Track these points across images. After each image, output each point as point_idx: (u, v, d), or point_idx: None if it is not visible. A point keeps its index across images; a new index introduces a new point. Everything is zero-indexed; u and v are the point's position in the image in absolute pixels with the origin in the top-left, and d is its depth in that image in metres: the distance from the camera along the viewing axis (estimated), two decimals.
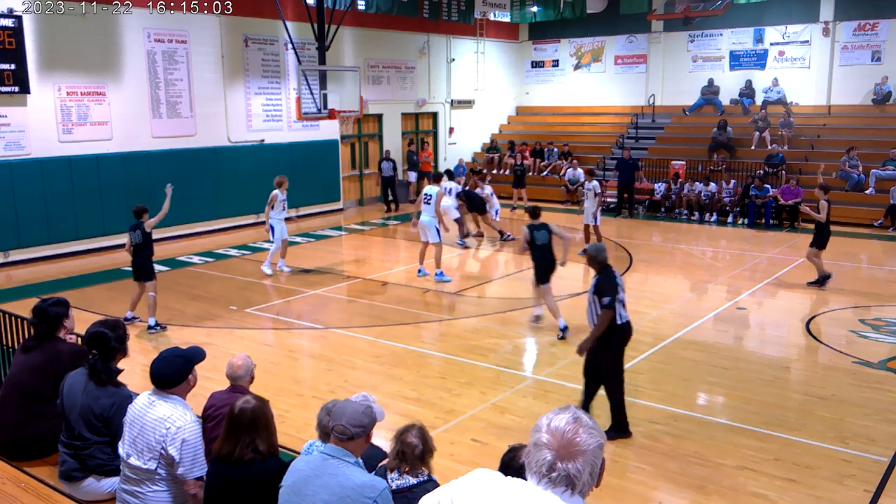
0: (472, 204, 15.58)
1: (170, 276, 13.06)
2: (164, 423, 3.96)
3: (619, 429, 6.63)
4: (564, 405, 2.18)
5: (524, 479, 2.15)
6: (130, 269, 10.17)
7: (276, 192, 12.62)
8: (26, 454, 4.93)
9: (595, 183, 14.39)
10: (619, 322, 6.48)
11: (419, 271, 12.80)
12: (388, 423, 5.86)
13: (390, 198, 20.20)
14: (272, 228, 12.77)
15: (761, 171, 18.51)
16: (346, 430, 3.38)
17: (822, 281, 11.75)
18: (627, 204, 18.95)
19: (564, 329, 9.48)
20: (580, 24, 23.76)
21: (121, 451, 4.11)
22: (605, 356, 6.58)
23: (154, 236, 15.85)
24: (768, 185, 17.82)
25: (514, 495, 2.11)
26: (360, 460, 3.48)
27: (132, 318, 10.04)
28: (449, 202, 14.84)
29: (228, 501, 3.79)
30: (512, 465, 3.37)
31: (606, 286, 6.47)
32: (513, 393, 7.71)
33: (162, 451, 3.94)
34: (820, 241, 11.69)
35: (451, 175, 16.32)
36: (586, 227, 14.43)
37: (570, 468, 2.03)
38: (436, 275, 12.52)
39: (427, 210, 12.63)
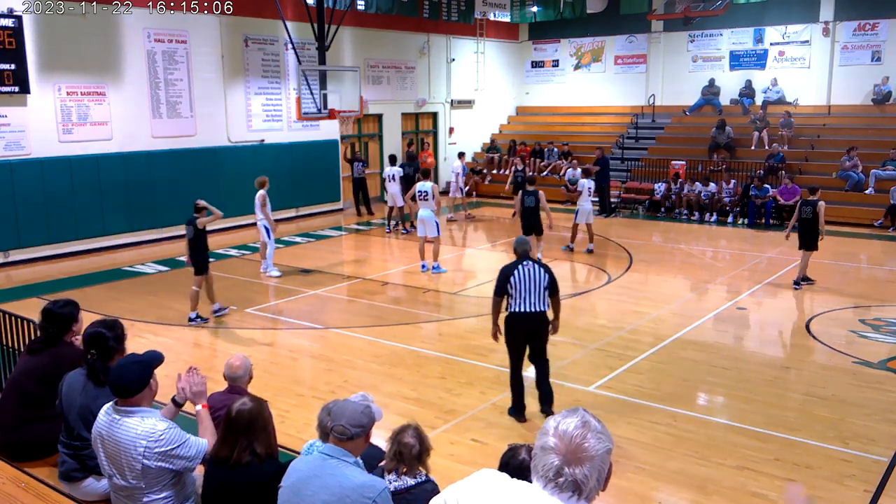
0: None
1: (170, 276, 13.07)
2: (137, 442, 3.75)
3: (514, 410, 7.12)
4: (572, 407, 2.15)
5: (525, 478, 2.14)
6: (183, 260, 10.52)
7: (264, 193, 12.42)
8: (26, 455, 4.92)
9: (591, 182, 14.62)
10: (509, 310, 6.94)
11: (423, 267, 12.97)
12: (388, 423, 5.85)
13: (362, 201, 19.44)
14: (266, 230, 12.59)
15: (761, 171, 18.51)
16: (345, 430, 3.38)
17: (798, 281, 11.79)
18: (600, 203, 19.14)
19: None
20: (580, 24, 23.75)
21: (102, 471, 3.97)
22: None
23: (154, 236, 16.01)
24: (768, 185, 17.82)
25: (520, 499, 2.10)
26: (360, 460, 3.47)
27: (219, 309, 10.41)
28: (395, 188, 16.38)
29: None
30: (511, 463, 3.36)
31: (499, 275, 6.97)
32: None
33: (144, 468, 3.77)
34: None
35: (393, 160, 17.07)
36: (588, 225, 14.48)
37: (578, 473, 2.01)
38: (433, 268, 12.88)
39: (425, 205, 12.95)
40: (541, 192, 13.06)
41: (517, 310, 6.86)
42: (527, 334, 6.95)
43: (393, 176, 16.32)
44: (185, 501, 4.04)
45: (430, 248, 13.07)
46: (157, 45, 15.66)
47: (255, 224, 13.23)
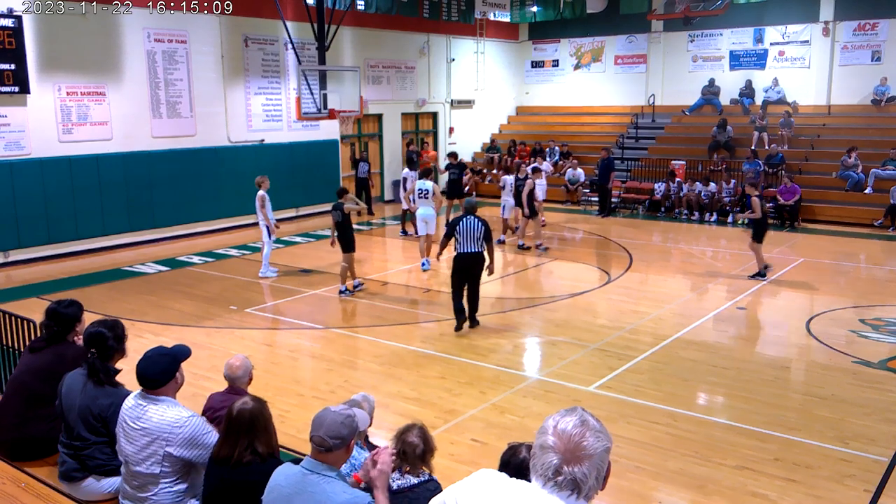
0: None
1: (170, 276, 13.07)
2: (162, 427, 3.90)
3: (456, 320, 9.50)
4: (571, 406, 2.16)
5: (526, 476, 2.14)
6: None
7: (264, 193, 12.50)
8: (27, 454, 4.92)
9: (512, 178, 15.44)
10: (455, 251, 9.32)
11: (423, 266, 13.02)
12: (389, 422, 5.87)
13: (364, 202, 19.40)
14: (267, 229, 12.62)
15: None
16: (323, 441, 3.27)
17: (760, 273, 12.30)
18: (600, 203, 19.21)
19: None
20: (580, 24, 23.75)
21: (120, 457, 4.08)
22: None
23: (154, 236, 16.07)
24: (765, 186, 17.81)
25: (519, 498, 2.10)
26: (342, 472, 3.42)
27: (358, 284, 11.75)
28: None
29: (228, 503, 3.77)
30: (512, 462, 3.35)
31: (448, 225, 9.48)
32: (513, 393, 7.71)
33: (166, 455, 3.90)
34: (756, 235, 12.38)
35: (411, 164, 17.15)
36: (504, 220, 15.30)
37: (577, 472, 2.02)
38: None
39: (425, 203, 13.04)
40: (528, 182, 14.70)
41: (460, 251, 9.26)
42: (466, 268, 9.30)
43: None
44: (196, 498, 4.08)
45: (433, 245, 13.07)
46: (157, 45, 15.66)
47: (256, 224, 13.25)
